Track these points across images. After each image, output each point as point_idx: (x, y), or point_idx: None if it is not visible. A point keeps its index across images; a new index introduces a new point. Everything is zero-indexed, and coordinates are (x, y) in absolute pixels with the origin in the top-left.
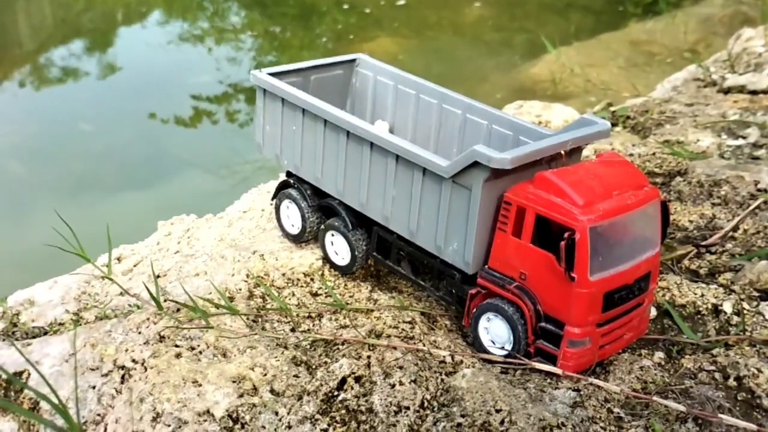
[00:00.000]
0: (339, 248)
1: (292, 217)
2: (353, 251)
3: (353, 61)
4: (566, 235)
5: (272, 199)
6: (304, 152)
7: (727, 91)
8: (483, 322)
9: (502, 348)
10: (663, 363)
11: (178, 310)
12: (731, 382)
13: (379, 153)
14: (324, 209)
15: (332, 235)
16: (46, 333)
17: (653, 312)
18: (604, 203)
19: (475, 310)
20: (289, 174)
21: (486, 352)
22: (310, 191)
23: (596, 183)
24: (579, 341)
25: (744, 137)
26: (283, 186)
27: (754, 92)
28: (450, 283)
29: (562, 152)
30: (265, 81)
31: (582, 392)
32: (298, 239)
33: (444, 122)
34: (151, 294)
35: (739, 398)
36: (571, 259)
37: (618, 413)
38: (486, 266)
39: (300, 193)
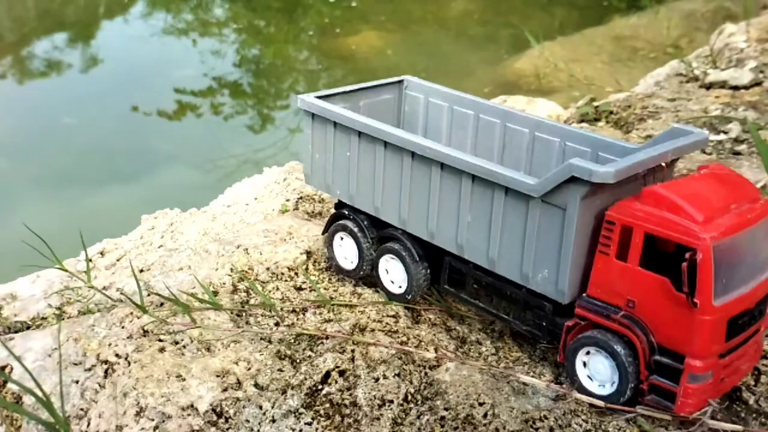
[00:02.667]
0: (395, 275)
1: (347, 250)
2: (411, 281)
3: (400, 82)
4: (687, 255)
5: (323, 233)
6: (361, 180)
7: (709, 86)
8: (581, 356)
9: (603, 386)
10: None
11: (162, 304)
12: None
13: (451, 174)
14: (384, 240)
15: (388, 260)
16: (28, 327)
17: None
18: (723, 219)
19: (571, 344)
20: (340, 204)
21: (584, 391)
22: (367, 222)
23: (712, 197)
24: (701, 375)
25: (725, 132)
26: (336, 218)
27: (735, 87)
28: (539, 314)
29: (663, 164)
30: (314, 105)
31: (565, 385)
32: (354, 274)
33: (509, 143)
34: (133, 302)
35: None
36: (693, 282)
37: (600, 406)
38: (584, 294)
39: (356, 224)
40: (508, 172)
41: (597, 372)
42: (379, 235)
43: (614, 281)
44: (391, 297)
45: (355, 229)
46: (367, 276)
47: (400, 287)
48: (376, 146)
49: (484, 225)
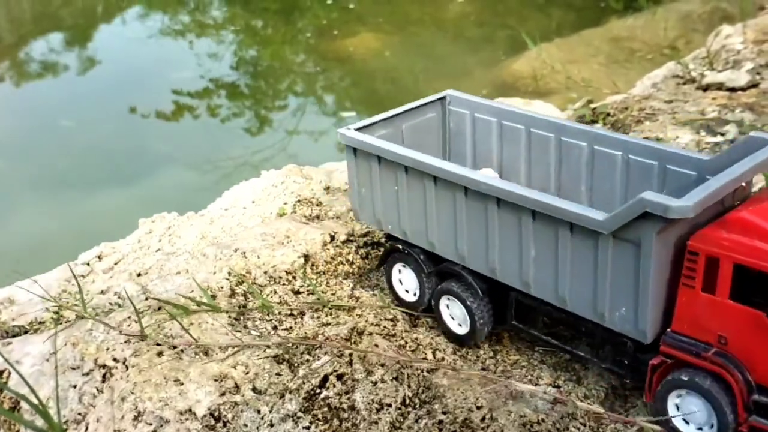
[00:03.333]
0: (457, 313)
1: (407, 282)
2: (474, 320)
3: (443, 99)
4: None
5: (379, 266)
6: (412, 215)
7: (705, 88)
8: (672, 399)
9: (701, 429)
10: None
11: (160, 308)
12: None
13: (510, 210)
14: (443, 275)
15: (449, 299)
16: (26, 332)
17: None
18: None
19: (660, 386)
20: (390, 236)
21: None
22: (423, 256)
23: None
24: None
25: (722, 134)
26: (391, 251)
27: (732, 89)
28: (619, 351)
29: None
30: (355, 139)
31: (562, 389)
32: (416, 306)
33: (565, 158)
34: (131, 300)
35: None
36: None
37: (597, 411)
38: (669, 330)
39: (412, 258)
40: (572, 207)
41: (692, 416)
42: (437, 269)
43: (702, 316)
44: (453, 337)
45: (412, 263)
46: (426, 309)
47: (461, 326)
48: (425, 181)
49: (550, 261)
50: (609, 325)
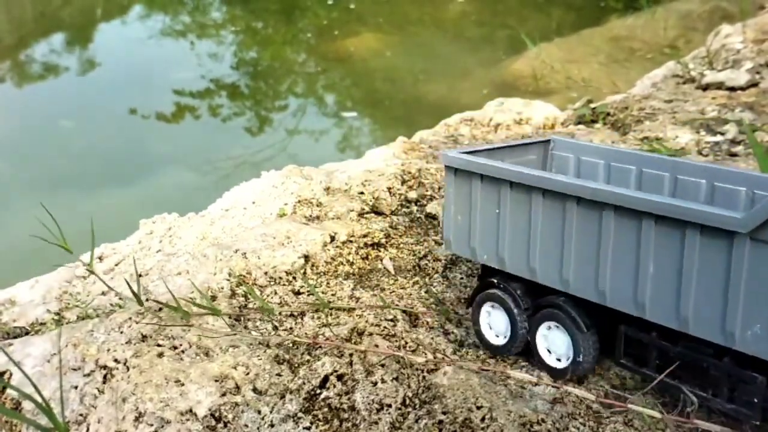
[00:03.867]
0: (558, 349)
1: (497, 324)
2: (578, 355)
3: (547, 142)
4: None
5: (468, 306)
6: (513, 239)
7: (705, 87)
8: None
9: None
10: None
11: (160, 309)
12: None
13: (629, 217)
14: (542, 310)
15: (547, 332)
16: (27, 333)
17: None
18: None
19: None
20: (486, 271)
21: None
22: (521, 291)
23: None
24: None
25: (722, 134)
26: (482, 287)
27: (732, 89)
28: (748, 390)
29: None
30: (458, 159)
31: (561, 389)
32: (505, 350)
33: (681, 197)
34: (133, 291)
35: None
36: None
37: (597, 409)
38: None
39: (507, 293)
40: (703, 206)
41: None
42: (535, 304)
43: None
44: (553, 373)
45: (507, 299)
46: (520, 353)
47: (559, 360)
48: (533, 196)
49: (672, 275)
50: (740, 347)
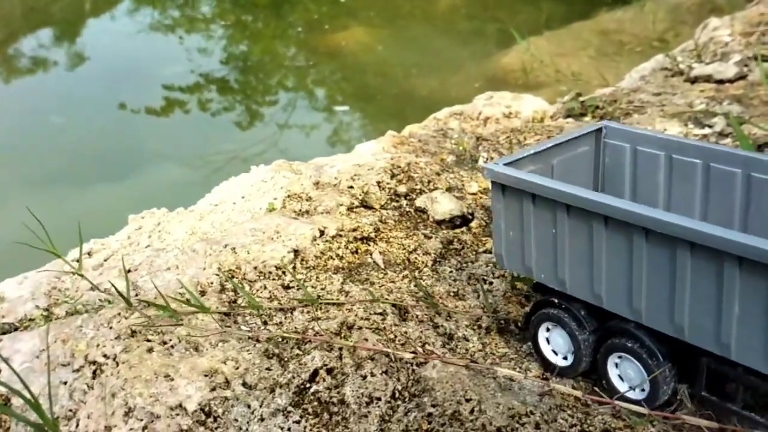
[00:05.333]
0: (631, 378)
1: (557, 344)
2: (657, 386)
3: (599, 131)
4: None
5: (525, 324)
6: (573, 262)
7: (693, 80)
8: None
9: None
10: None
11: (149, 305)
12: None
13: (709, 256)
14: (610, 335)
15: (618, 361)
16: (16, 329)
17: None
18: None
19: None
20: (540, 287)
21: None
22: (584, 312)
23: None
24: None
25: (710, 126)
26: (541, 305)
27: (720, 81)
28: None
29: None
30: (505, 175)
31: (550, 381)
32: (568, 372)
33: (756, 198)
34: (119, 293)
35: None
36: None
37: (586, 401)
38: None
39: (569, 314)
40: None
41: None
42: (603, 328)
43: None
44: (629, 402)
45: (568, 320)
46: (586, 374)
47: (634, 390)
48: (593, 223)
49: (761, 318)
50: None
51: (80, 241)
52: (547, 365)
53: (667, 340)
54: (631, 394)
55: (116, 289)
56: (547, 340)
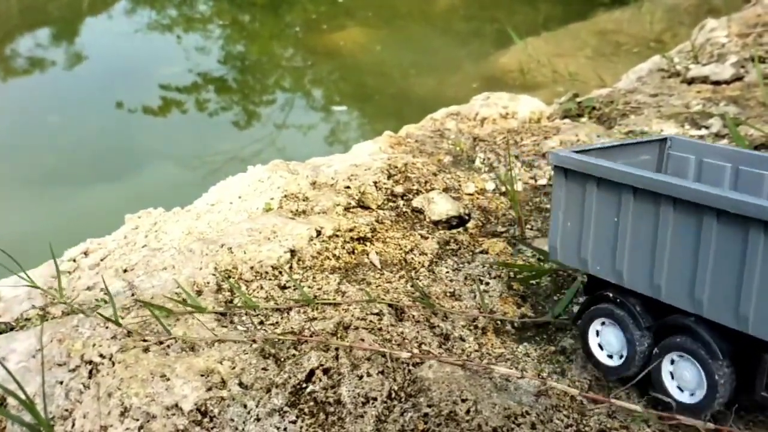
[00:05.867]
0: (686, 380)
1: (609, 342)
2: (713, 386)
3: (663, 141)
4: None
5: (575, 321)
6: (634, 252)
7: (690, 81)
8: None
9: None
10: None
11: (144, 306)
12: None
13: None
14: (667, 332)
15: (675, 360)
16: (12, 329)
17: None
18: None
19: None
20: (595, 282)
21: None
22: (640, 307)
23: None
24: None
25: (707, 127)
26: (593, 301)
27: (716, 83)
28: None
29: None
30: (570, 159)
31: (547, 381)
32: (619, 372)
33: None
34: (107, 318)
35: None
36: None
37: (581, 401)
38: None
39: (624, 309)
40: None
41: None
42: (658, 324)
43: None
44: (682, 407)
45: (623, 316)
46: (637, 376)
47: (693, 395)
48: (661, 206)
49: None
50: None
51: (57, 269)
52: (596, 365)
53: (728, 337)
54: (684, 398)
55: (110, 295)
56: (600, 344)
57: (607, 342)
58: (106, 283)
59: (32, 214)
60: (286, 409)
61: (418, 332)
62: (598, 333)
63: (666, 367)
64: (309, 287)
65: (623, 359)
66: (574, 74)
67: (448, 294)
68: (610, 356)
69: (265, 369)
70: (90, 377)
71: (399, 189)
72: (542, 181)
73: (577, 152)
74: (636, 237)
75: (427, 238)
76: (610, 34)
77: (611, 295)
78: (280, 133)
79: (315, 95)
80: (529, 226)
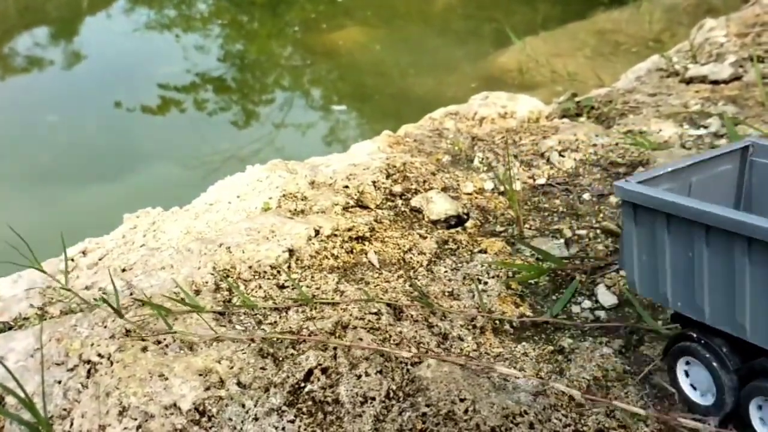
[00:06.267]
0: None
1: (698, 381)
2: None
3: (745, 148)
4: None
5: (662, 358)
6: (714, 291)
7: (689, 81)
8: None
9: None
10: (623, 350)
11: (144, 304)
12: None
13: None
14: (756, 374)
15: (764, 404)
16: (11, 328)
17: (614, 299)
18: None
19: None
20: (679, 318)
21: None
22: (726, 348)
23: None
24: None
25: (705, 127)
26: (678, 339)
27: (715, 82)
28: None
29: None
30: (638, 194)
31: (545, 381)
32: (713, 412)
33: None
34: (112, 306)
35: None
36: None
37: (580, 401)
38: None
39: (708, 350)
40: None
41: None
42: (748, 367)
43: None
44: None
45: (708, 356)
46: (732, 416)
47: None
48: (736, 245)
49: None
50: None
51: (65, 254)
52: (687, 403)
53: None
54: None
55: (109, 304)
56: (686, 374)
57: (696, 380)
58: (106, 281)
59: (30, 213)
60: (284, 408)
61: (416, 332)
62: (687, 370)
63: (756, 416)
64: (307, 287)
65: (713, 399)
66: (573, 74)
67: (446, 293)
68: (703, 395)
69: (263, 368)
70: (88, 377)
71: (397, 188)
72: (541, 181)
73: (647, 179)
74: (713, 273)
75: (425, 238)
76: (609, 34)
77: (695, 335)
78: (279, 133)
79: (314, 95)
80: (527, 226)
